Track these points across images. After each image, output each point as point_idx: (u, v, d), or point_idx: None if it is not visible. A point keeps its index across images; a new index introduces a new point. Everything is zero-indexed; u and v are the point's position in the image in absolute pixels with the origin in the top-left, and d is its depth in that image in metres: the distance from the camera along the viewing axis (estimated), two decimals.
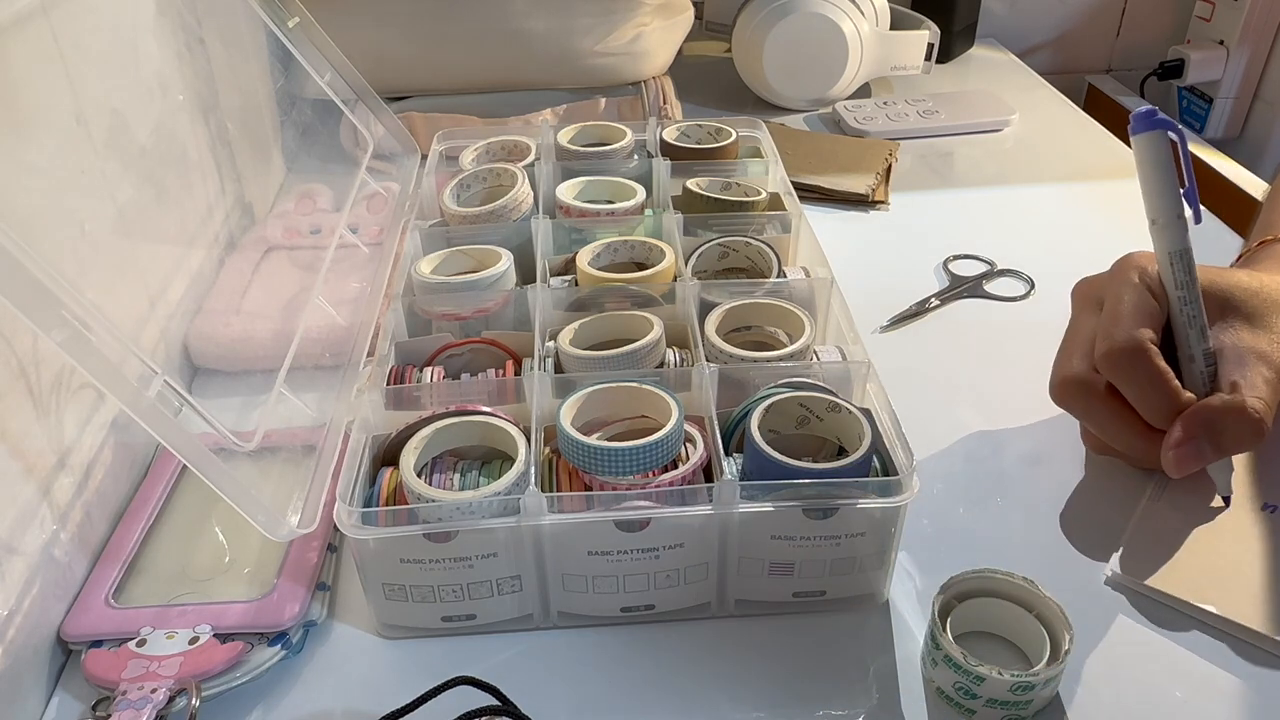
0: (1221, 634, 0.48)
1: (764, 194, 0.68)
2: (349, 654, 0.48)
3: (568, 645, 0.48)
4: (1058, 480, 0.57)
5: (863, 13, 0.99)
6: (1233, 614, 0.47)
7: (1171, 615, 0.49)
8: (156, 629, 0.46)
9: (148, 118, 0.61)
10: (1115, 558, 0.51)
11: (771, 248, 0.62)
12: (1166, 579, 0.49)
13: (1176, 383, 0.50)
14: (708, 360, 0.52)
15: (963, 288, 0.74)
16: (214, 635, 0.45)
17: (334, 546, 0.52)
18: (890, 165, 0.91)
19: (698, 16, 1.05)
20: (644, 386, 0.49)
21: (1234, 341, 0.51)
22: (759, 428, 0.47)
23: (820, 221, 0.83)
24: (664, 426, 0.46)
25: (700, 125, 0.77)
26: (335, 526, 0.46)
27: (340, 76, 0.76)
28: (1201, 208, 0.51)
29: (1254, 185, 0.96)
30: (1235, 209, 0.94)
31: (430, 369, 0.54)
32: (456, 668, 0.44)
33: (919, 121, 0.99)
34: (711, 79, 1.10)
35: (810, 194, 0.86)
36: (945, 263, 0.77)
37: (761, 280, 0.60)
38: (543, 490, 0.45)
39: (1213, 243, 0.79)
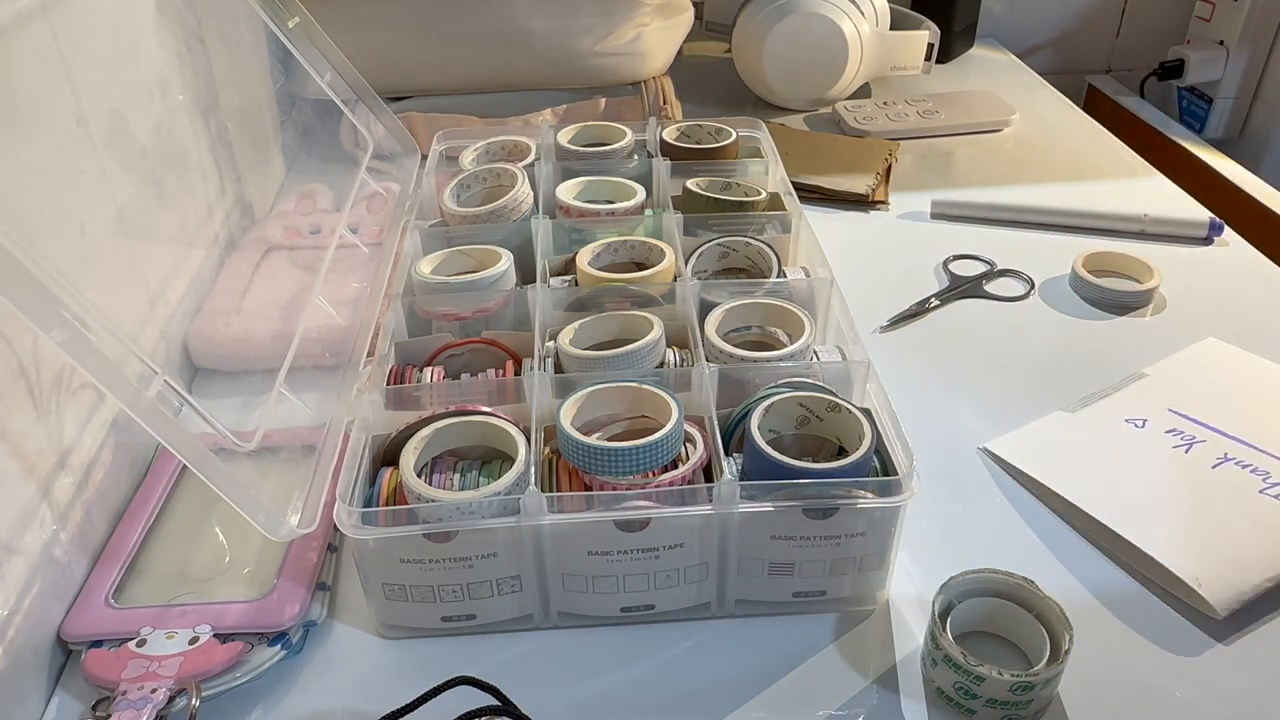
0: (1221, 634, 0.48)
1: (764, 194, 0.68)
2: (349, 654, 0.48)
3: (568, 645, 0.48)
4: None
5: (863, 13, 0.99)
6: (1100, 514, 0.48)
7: (1171, 614, 0.49)
8: (156, 629, 0.46)
9: (148, 118, 0.61)
10: (995, 441, 0.51)
11: (771, 248, 0.62)
12: (1038, 467, 0.49)
13: None
14: (708, 360, 0.52)
15: (963, 288, 0.74)
16: (214, 635, 0.45)
17: (334, 546, 0.52)
18: (890, 165, 0.90)
19: (698, 16, 1.05)
20: (644, 386, 0.49)
21: None
22: (759, 428, 0.47)
23: (820, 221, 0.83)
24: (664, 426, 0.46)
25: (700, 125, 0.77)
26: (335, 526, 0.46)
27: (340, 76, 0.76)
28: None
29: (1254, 185, 0.95)
30: (1235, 209, 0.94)
31: (430, 369, 0.54)
32: (456, 668, 0.44)
33: (919, 121, 0.99)
34: (711, 79, 1.10)
35: (810, 194, 0.86)
36: (945, 263, 0.77)
37: (761, 280, 0.60)
38: (543, 490, 0.45)
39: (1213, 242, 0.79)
